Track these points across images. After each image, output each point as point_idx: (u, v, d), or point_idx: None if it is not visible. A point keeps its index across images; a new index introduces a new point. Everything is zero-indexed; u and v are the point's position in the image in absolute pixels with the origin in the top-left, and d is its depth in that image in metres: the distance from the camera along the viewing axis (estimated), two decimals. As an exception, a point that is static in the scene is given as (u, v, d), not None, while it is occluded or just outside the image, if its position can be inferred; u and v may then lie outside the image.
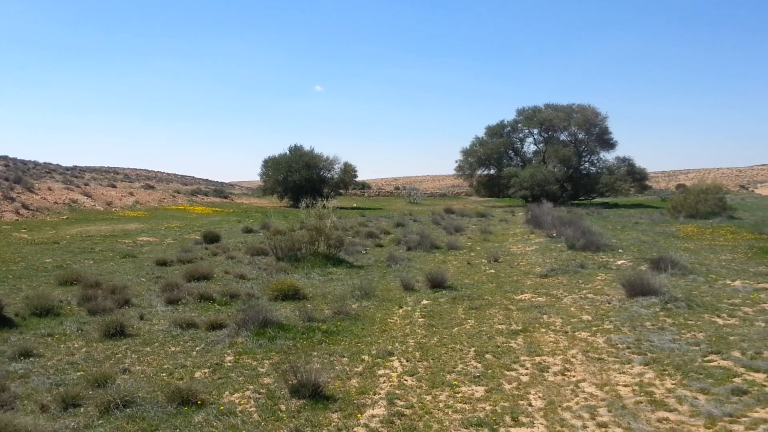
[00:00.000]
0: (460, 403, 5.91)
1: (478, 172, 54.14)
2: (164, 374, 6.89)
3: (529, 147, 54.99)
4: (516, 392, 6.14)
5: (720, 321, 8.65)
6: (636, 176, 50.79)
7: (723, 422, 5.18)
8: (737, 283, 11.65)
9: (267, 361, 7.27)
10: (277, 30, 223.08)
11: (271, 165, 49.41)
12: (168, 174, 79.30)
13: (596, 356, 7.24)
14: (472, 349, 7.73)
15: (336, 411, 5.74)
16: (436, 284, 11.86)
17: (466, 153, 53.33)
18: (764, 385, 5.95)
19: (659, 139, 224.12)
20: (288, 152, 49.91)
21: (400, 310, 10.12)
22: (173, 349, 7.90)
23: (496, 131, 53.82)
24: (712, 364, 6.73)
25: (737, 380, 6.14)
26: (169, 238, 22.27)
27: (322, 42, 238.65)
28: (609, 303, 10.07)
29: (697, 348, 7.32)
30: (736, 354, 7.00)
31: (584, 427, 5.27)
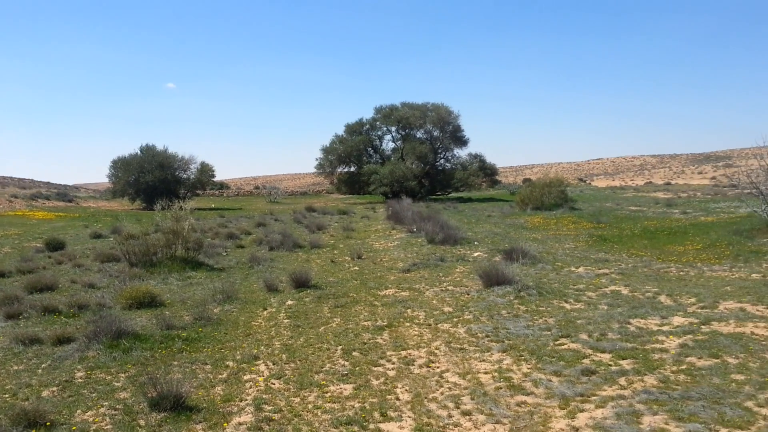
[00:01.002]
0: (329, 402, 5.87)
1: (339, 170, 54.47)
2: (7, 395, 6.28)
3: (388, 144, 56.08)
4: (384, 387, 6.20)
5: (568, 306, 9.26)
6: (487, 171, 53.33)
7: (575, 402, 5.53)
8: (581, 269, 12.55)
9: (123, 375, 6.83)
10: (124, 23, 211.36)
11: (121, 166, 46.69)
12: (2, 177, 72.64)
13: (458, 346, 7.49)
14: (339, 347, 7.72)
15: (200, 422, 5.50)
16: (301, 284, 11.76)
17: (327, 151, 53.47)
18: (610, 365, 6.43)
19: (507, 136, 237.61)
20: (139, 152, 47.41)
21: (265, 312, 9.92)
22: (16, 367, 7.22)
23: (355, 129, 54.40)
24: (563, 347, 7.18)
25: (586, 361, 6.58)
26: (7, 247, 20.39)
27: (172, 37, 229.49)
28: (468, 294, 10.47)
29: (549, 333, 7.78)
30: (584, 336, 7.51)
31: (450, 416, 5.42)
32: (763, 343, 6.87)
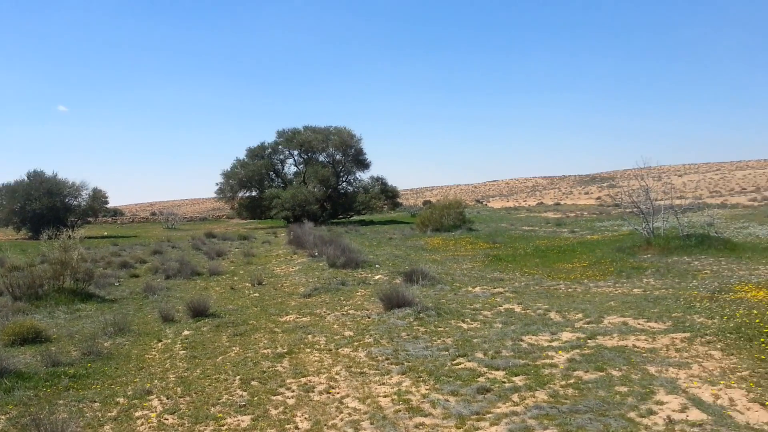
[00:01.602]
0: (226, 435, 5.73)
1: (240, 195, 53.60)
2: None
3: (290, 168, 55.84)
4: (283, 416, 6.12)
5: (465, 326, 9.51)
6: (389, 194, 54.07)
7: (471, 420, 5.67)
8: (477, 289, 12.92)
9: (3, 417, 6.38)
10: (10, 43, 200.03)
11: (5, 193, 43.84)
12: None
13: (358, 371, 7.51)
14: (238, 377, 7.56)
15: (87, 464, 5.22)
16: (198, 312, 11.43)
17: (227, 175, 52.51)
18: (504, 382, 6.64)
19: (408, 159, 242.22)
20: (26, 179, 44.73)
21: (159, 344, 9.57)
22: None
23: (257, 153, 53.78)
24: (459, 366, 7.36)
25: (481, 379, 6.78)
26: None
27: (64, 58, 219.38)
28: (369, 317, 10.53)
29: (447, 353, 7.96)
30: (480, 355, 7.73)
31: (349, 442, 5.42)
32: (644, 355, 7.31)
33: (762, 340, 7.49)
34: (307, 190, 49.02)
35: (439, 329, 9.34)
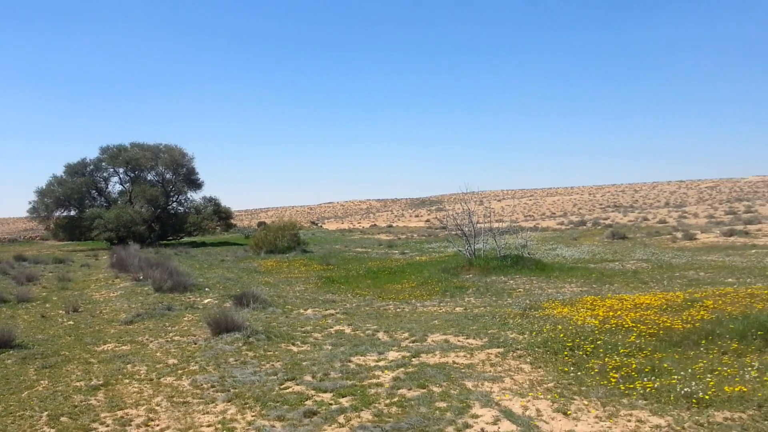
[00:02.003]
0: (28, 479, 5.22)
1: (56, 214, 49.40)
2: None
3: (115, 187, 52.45)
4: (95, 454, 5.69)
5: (295, 349, 9.47)
6: (222, 215, 52.67)
7: (296, 444, 5.63)
8: (309, 311, 12.95)
9: None
10: None
11: None
12: None
13: (181, 400, 7.20)
14: (45, 413, 6.93)
15: None
16: (1, 344, 10.34)
17: (42, 193, 48.16)
18: (330, 404, 6.69)
19: (243, 179, 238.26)
20: None
21: (-48, 381, 8.52)
22: None
23: (77, 170, 49.87)
24: (287, 390, 7.30)
25: (308, 403, 6.77)
26: None
27: None
28: (195, 343, 10.15)
29: (275, 377, 7.87)
30: (308, 378, 7.74)
31: (168, 476, 5.16)
32: (463, 370, 7.72)
33: (565, 353, 8.22)
34: (134, 210, 46.39)
35: (268, 353, 9.22)
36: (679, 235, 32.10)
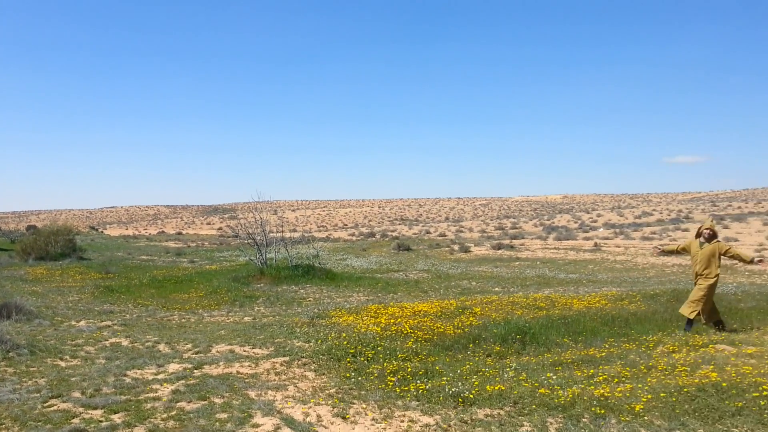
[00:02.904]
0: None
1: None
2: None
3: None
4: None
5: (63, 363, 8.71)
6: (-18, 216, 46.92)
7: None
8: (82, 323, 11.99)
9: None
10: None
11: None
12: None
13: None
14: None
15: None
16: None
17: None
18: (101, 421, 6.24)
19: (10, 179, 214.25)
20: None
21: None
22: None
23: None
24: (52, 408, 6.69)
25: (75, 421, 6.26)
26: None
27: None
28: (-60, 361, 8.90)
29: (38, 394, 7.16)
30: (77, 394, 7.15)
31: None
32: (246, 380, 7.64)
33: (348, 359, 8.50)
34: None
35: (31, 369, 8.37)
36: (456, 247, 34.74)
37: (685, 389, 6.62)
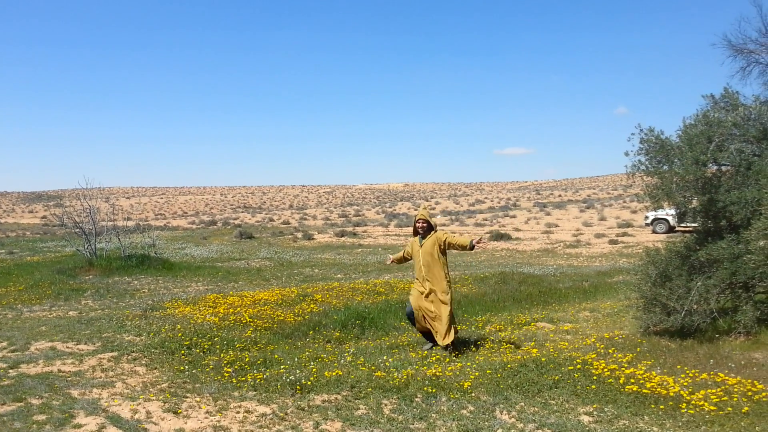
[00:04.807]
0: None
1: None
2: None
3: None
4: None
5: None
6: None
7: None
8: None
9: None
10: None
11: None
12: None
13: None
14: None
15: None
16: None
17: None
18: None
19: None
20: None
21: None
22: None
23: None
24: None
25: None
26: None
27: None
28: None
29: None
30: None
31: None
32: (69, 379, 7.12)
33: (182, 352, 8.20)
34: None
35: None
36: (299, 235, 34.72)
37: (509, 365, 7.11)
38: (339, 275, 18.43)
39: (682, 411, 5.75)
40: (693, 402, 5.90)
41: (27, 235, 41.07)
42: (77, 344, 8.83)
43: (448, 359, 7.74)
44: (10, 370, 7.46)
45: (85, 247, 20.61)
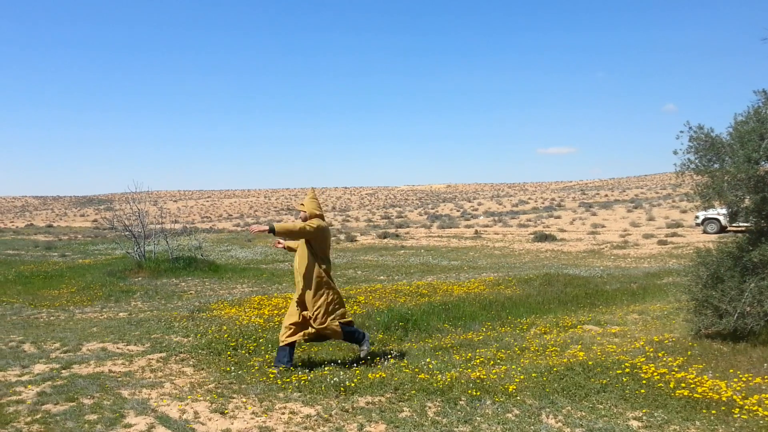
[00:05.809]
0: None
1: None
2: None
3: None
4: None
5: None
6: None
7: None
8: (-66, 324, 10.99)
9: None
10: None
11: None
12: None
13: None
14: None
15: None
16: None
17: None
18: (-47, 430, 5.77)
19: None
20: None
21: None
22: None
23: None
24: None
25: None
26: None
27: None
28: None
29: None
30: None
31: None
32: (119, 379, 7.30)
33: (228, 353, 8.32)
34: None
35: None
36: (342, 237, 34.89)
37: (555, 369, 6.99)
38: (382, 277, 18.47)
39: (735, 416, 5.58)
40: (746, 407, 5.72)
41: (79, 238, 42.30)
42: (127, 345, 9.04)
43: (492, 362, 7.67)
44: (63, 371, 7.67)
45: (135, 249, 21.11)
